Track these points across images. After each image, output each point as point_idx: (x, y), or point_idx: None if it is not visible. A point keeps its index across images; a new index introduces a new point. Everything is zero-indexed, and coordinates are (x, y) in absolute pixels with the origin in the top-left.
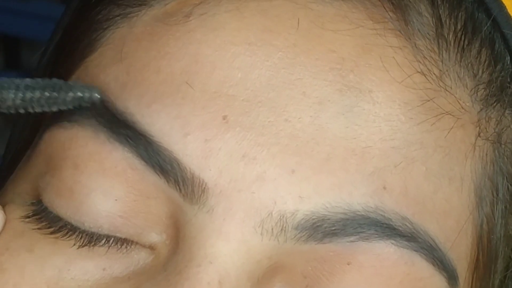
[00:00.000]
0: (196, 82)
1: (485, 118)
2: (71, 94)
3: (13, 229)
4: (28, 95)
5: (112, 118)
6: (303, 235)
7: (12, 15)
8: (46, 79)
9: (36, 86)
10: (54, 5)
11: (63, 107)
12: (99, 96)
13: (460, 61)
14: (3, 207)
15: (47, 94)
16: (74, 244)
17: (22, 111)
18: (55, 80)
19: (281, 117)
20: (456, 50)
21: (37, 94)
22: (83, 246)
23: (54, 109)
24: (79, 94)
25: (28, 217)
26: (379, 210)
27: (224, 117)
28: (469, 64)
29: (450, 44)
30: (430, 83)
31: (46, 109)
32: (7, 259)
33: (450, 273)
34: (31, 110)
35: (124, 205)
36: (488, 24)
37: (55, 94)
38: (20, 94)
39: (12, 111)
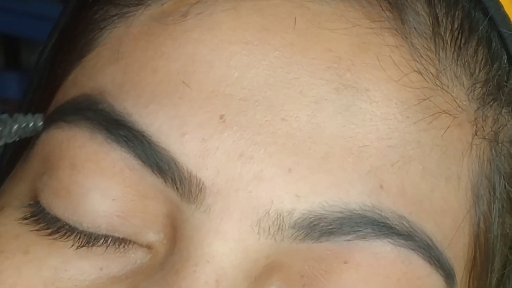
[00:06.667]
0: (193, 82)
1: (482, 117)
2: (15, 126)
3: (8, 232)
4: None
5: (109, 119)
6: (300, 234)
7: (12, 15)
8: None
9: None
10: (54, 5)
11: (8, 140)
12: (41, 123)
13: (457, 60)
14: (1, 210)
15: None
16: (73, 245)
17: None
18: None
19: (278, 116)
20: (452, 49)
21: None
22: (81, 247)
23: (0, 143)
24: (24, 125)
25: (26, 218)
26: (376, 209)
27: (221, 117)
28: (466, 63)
29: (447, 43)
30: (427, 82)
31: None
32: (3, 261)
33: (447, 272)
34: None
35: (122, 205)
36: (484, 23)
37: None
38: None
39: None
